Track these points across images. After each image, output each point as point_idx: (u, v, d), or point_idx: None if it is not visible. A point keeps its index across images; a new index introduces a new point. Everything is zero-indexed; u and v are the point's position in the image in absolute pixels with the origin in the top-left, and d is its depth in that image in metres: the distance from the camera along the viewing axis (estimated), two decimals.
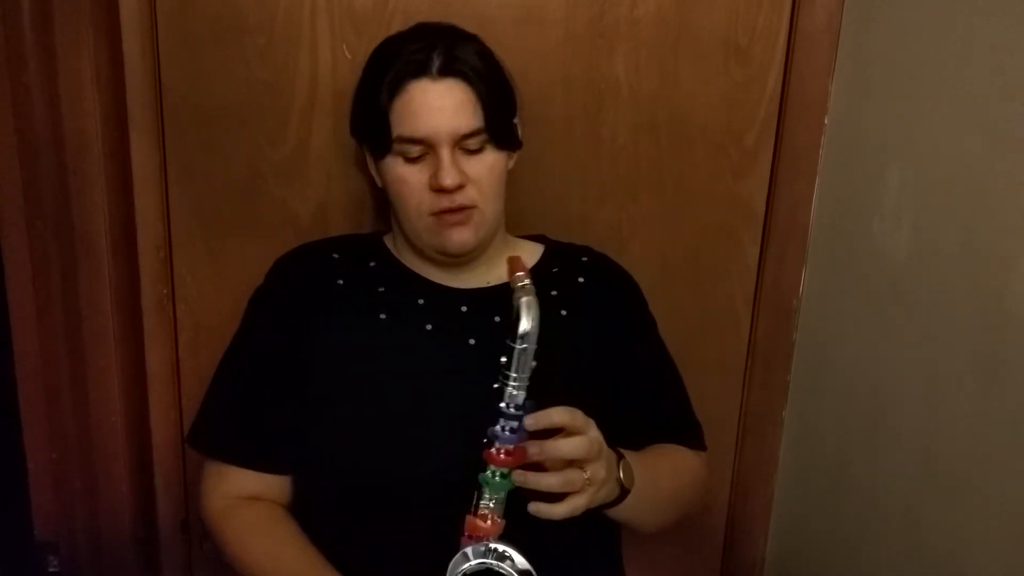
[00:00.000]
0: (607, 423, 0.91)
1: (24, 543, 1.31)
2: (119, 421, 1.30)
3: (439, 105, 0.97)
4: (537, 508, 0.85)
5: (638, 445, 1.04)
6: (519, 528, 0.86)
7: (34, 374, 1.25)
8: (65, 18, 1.15)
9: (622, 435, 0.97)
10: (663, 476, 1.06)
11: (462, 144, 0.99)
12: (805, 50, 1.23)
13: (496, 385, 0.85)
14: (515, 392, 0.84)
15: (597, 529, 1.08)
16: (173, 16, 1.17)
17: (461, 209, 1.00)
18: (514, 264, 0.92)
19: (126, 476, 1.32)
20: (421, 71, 0.98)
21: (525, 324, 0.84)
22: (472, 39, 1.04)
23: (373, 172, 1.08)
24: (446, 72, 0.98)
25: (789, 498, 1.39)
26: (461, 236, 1.02)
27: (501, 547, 0.83)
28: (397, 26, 1.16)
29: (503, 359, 0.85)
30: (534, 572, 0.83)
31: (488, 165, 1.01)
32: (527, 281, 0.88)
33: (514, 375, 0.84)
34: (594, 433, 0.88)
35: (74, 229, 1.22)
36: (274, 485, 1.06)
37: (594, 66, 1.23)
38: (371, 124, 1.02)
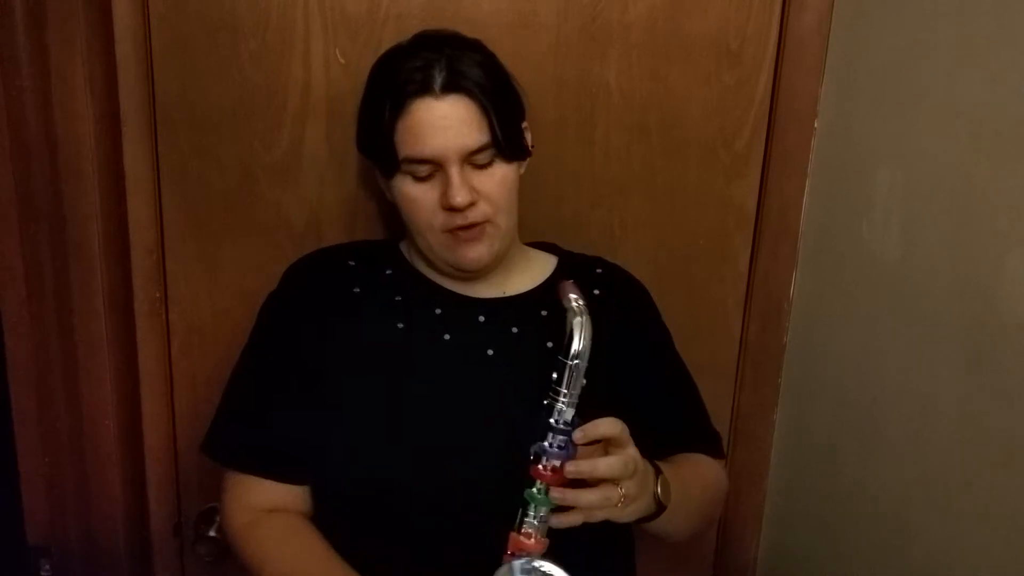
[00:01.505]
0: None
1: (16, 547, 1.30)
2: (112, 424, 1.29)
3: (444, 124, 0.95)
4: (559, 519, 0.86)
5: (659, 455, 1.03)
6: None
7: (26, 377, 1.25)
8: (58, 21, 1.15)
9: (643, 446, 0.96)
10: (694, 489, 1.05)
11: (471, 160, 0.97)
12: (795, 53, 1.24)
13: (546, 401, 0.86)
14: (564, 408, 0.85)
15: (616, 540, 1.09)
16: (166, 19, 1.17)
17: (475, 225, 0.99)
18: (566, 287, 0.93)
19: (119, 480, 1.31)
20: (424, 89, 0.94)
21: (578, 342, 0.86)
22: (475, 48, 1.01)
23: (383, 187, 1.06)
24: (449, 88, 0.95)
25: (781, 500, 1.39)
26: (476, 252, 1.00)
27: (546, 566, 0.82)
28: (390, 31, 1.16)
29: (554, 375, 0.86)
30: None
31: (498, 179, 0.99)
32: (581, 302, 0.89)
33: (564, 391, 0.86)
34: (632, 451, 0.88)
35: (67, 232, 1.22)
36: (297, 495, 1.04)
37: (586, 70, 1.24)
38: (377, 144, 1.00)
